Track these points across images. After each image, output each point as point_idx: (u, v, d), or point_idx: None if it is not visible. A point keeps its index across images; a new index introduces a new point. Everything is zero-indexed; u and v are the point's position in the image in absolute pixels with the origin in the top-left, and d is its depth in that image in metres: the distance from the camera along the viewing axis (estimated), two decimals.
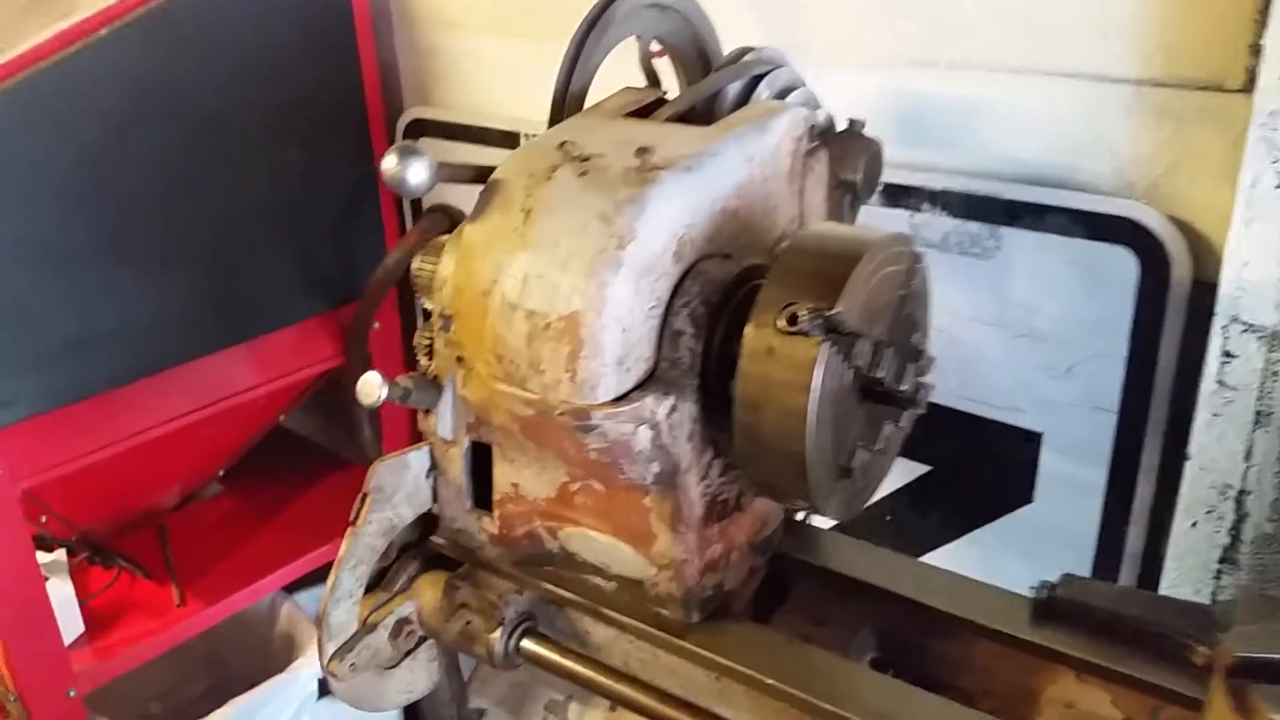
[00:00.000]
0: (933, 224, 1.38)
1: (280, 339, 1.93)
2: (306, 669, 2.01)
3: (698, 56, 1.24)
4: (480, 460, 0.96)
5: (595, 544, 0.91)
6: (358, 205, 1.94)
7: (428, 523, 1.03)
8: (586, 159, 0.85)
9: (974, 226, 1.35)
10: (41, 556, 1.89)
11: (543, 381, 0.79)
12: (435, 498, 1.01)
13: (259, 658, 2.23)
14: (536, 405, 0.82)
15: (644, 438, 0.81)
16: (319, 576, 2.03)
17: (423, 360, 1.00)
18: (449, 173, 0.92)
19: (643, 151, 0.83)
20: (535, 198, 0.82)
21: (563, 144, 0.86)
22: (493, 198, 0.86)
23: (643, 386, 0.81)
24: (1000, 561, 1.46)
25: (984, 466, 1.43)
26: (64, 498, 1.92)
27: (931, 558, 1.50)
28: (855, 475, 0.80)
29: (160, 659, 1.97)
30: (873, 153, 1.09)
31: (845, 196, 1.08)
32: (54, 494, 1.86)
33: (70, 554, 2.05)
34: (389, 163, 0.85)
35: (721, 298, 0.82)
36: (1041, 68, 1.29)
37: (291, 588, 2.18)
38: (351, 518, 0.97)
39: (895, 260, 0.80)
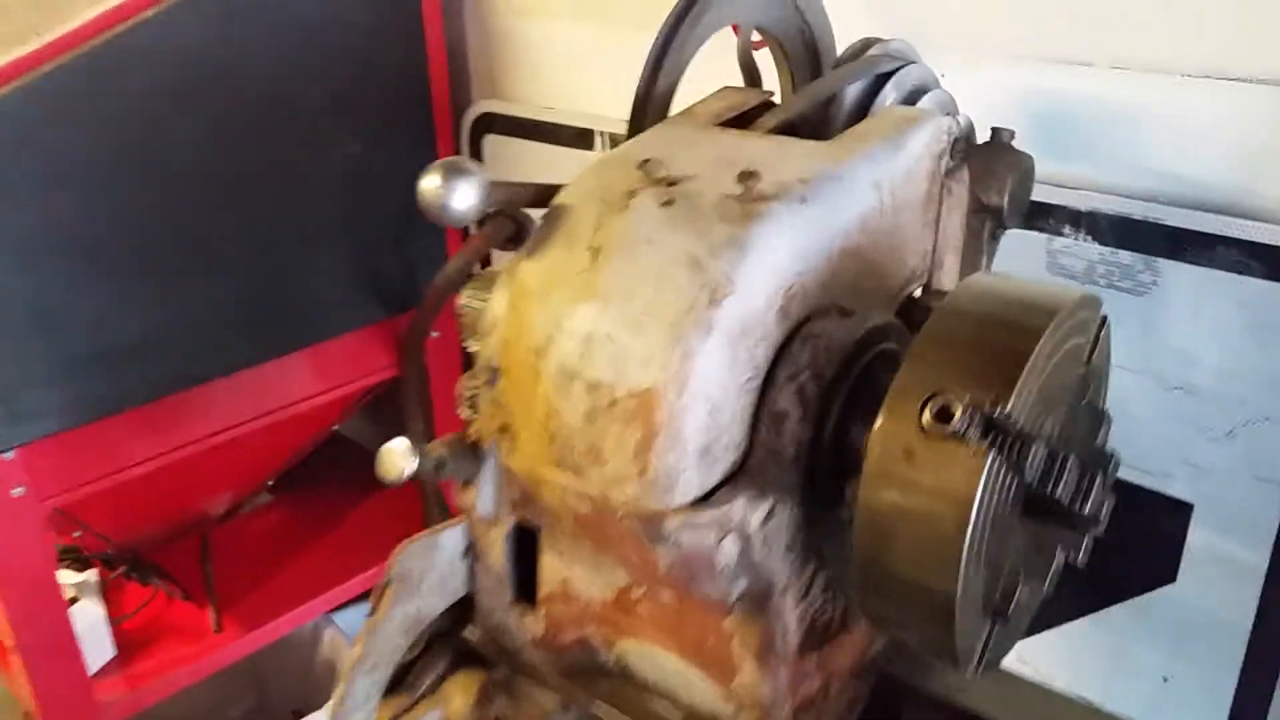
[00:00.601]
0: (1075, 251, 1.17)
1: (332, 348, 1.78)
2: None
3: (805, 49, 1.04)
4: (525, 546, 0.78)
5: (661, 664, 0.73)
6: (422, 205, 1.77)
7: (462, 608, 0.86)
8: (674, 183, 0.66)
9: (1126, 256, 1.13)
10: (73, 576, 1.79)
11: (604, 474, 0.61)
12: (472, 583, 0.84)
13: (300, 681, 2.11)
14: (595, 501, 0.64)
15: (730, 550, 0.62)
16: (365, 598, 1.90)
17: (465, 412, 0.83)
18: (504, 194, 0.74)
19: (747, 176, 0.64)
20: (606, 232, 0.64)
21: (645, 163, 0.68)
22: (554, 229, 0.68)
23: (731, 482, 0.63)
24: (1132, 647, 1.25)
25: (1121, 537, 1.20)
26: (100, 513, 1.81)
27: (1053, 636, 1.29)
28: (1011, 618, 0.60)
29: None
30: (1023, 170, 0.88)
31: (987, 224, 0.88)
32: (88, 510, 1.75)
33: (109, 567, 1.95)
34: (429, 184, 0.67)
35: (839, 369, 0.63)
36: (1219, 71, 1.07)
37: (336, 607, 2.05)
38: (370, 608, 0.80)
39: (1080, 330, 0.60)
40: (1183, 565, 1.19)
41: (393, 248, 1.76)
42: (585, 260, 0.64)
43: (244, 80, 1.51)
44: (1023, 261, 1.19)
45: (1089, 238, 1.15)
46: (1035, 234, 1.18)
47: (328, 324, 1.75)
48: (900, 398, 0.55)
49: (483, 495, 0.78)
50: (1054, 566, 0.64)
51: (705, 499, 0.62)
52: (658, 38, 0.88)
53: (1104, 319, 0.63)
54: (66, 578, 1.76)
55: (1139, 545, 1.21)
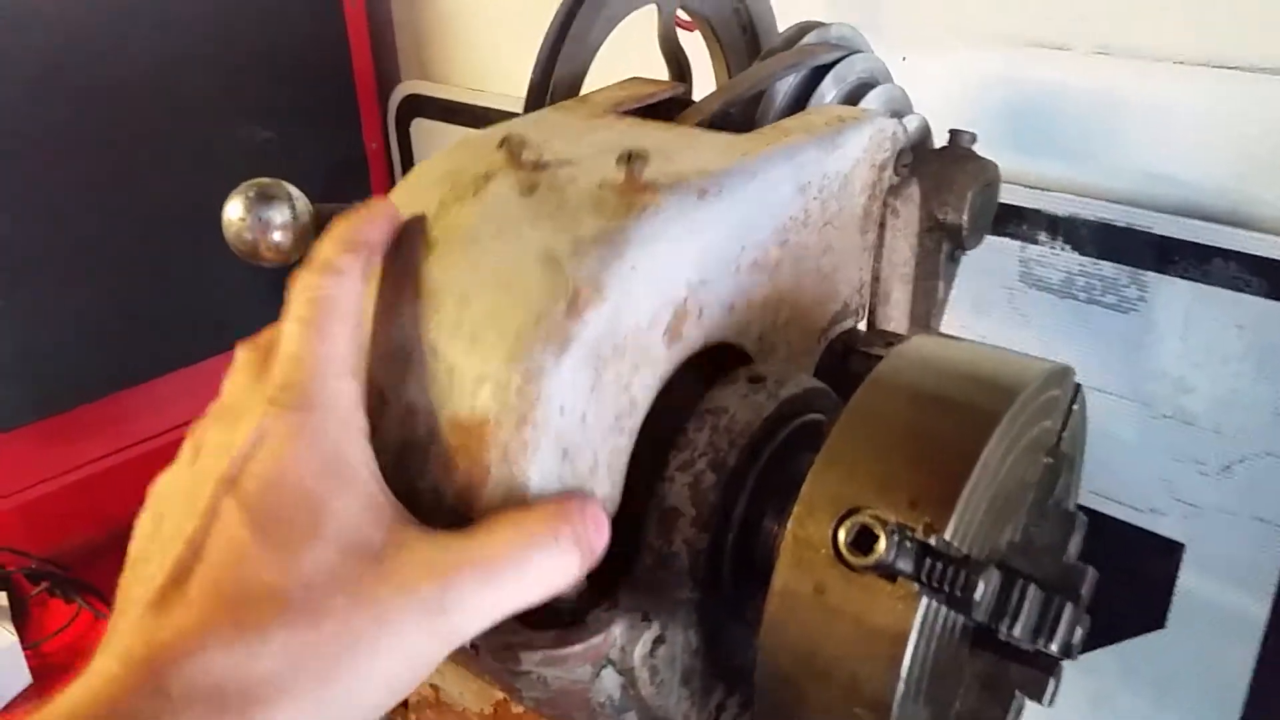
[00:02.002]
0: (1052, 261, 1.03)
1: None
2: None
3: (742, 32, 0.90)
4: None
5: None
6: (342, 195, 1.63)
7: None
8: (542, 168, 0.53)
9: (1109, 269, 1.00)
10: None
11: None
12: None
13: None
14: None
15: (608, 686, 0.49)
16: None
17: None
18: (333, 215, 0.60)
19: (633, 160, 0.50)
20: (447, 223, 0.50)
21: (508, 140, 0.54)
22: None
23: (609, 599, 0.50)
24: (1115, 696, 1.13)
25: (1106, 578, 1.09)
26: (16, 528, 1.69)
27: None
28: None
29: None
30: (986, 182, 0.75)
31: (944, 246, 0.75)
32: (2, 526, 1.63)
33: (32, 582, 1.82)
34: (233, 215, 0.54)
35: (744, 455, 0.50)
36: (1217, 58, 0.93)
37: None
38: None
39: (1046, 411, 0.47)
40: (1172, 610, 1.07)
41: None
42: (421, 256, 0.50)
43: (135, 62, 1.36)
44: (993, 272, 1.06)
45: (1067, 246, 1.02)
46: (1007, 240, 1.05)
47: (245, 327, 1.60)
48: (808, 515, 0.42)
49: None
50: (1017, 703, 0.51)
51: (571, 627, 0.49)
52: (555, 16, 0.74)
53: (1077, 389, 0.50)
54: None
55: (1125, 587, 1.09)
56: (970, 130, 0.76)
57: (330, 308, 0.44)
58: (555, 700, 0.50)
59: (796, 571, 0.42)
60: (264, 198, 0.53)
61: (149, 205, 1.43)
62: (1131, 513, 1.06)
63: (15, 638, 1.66)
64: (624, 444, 0.49)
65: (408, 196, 0.54)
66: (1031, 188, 1.03)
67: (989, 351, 0.48)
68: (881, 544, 0.40)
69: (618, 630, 0.49)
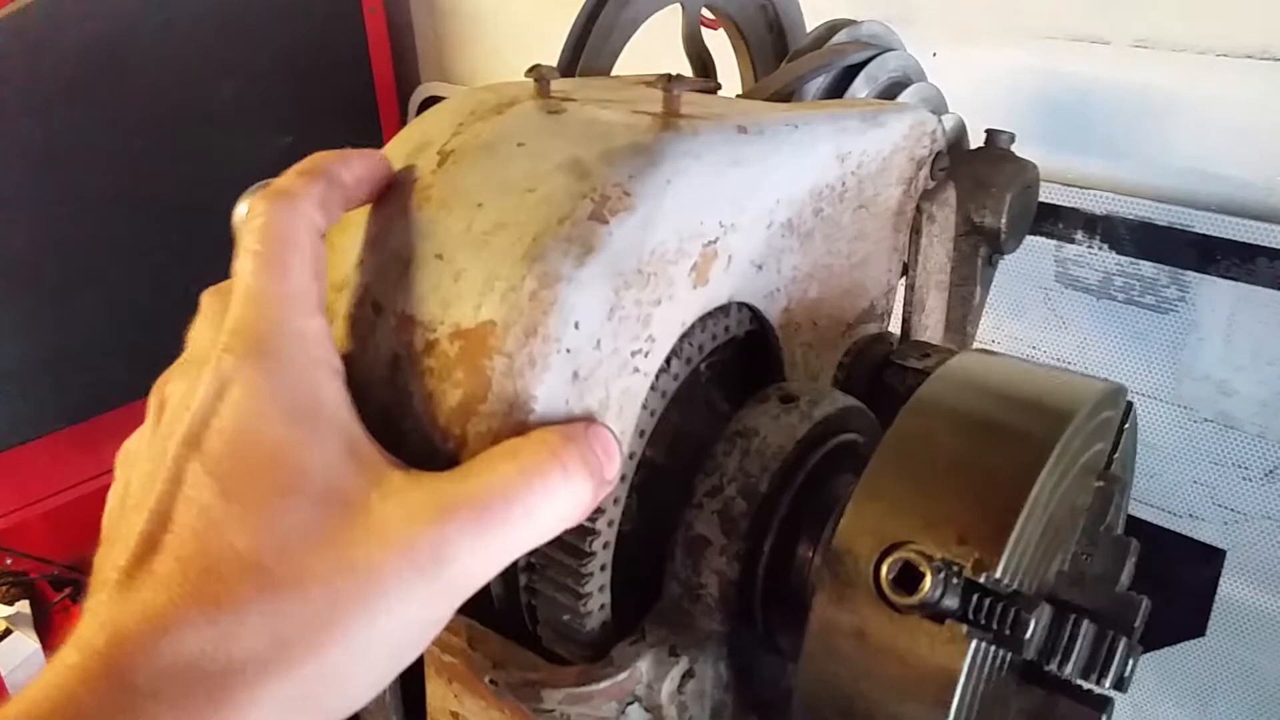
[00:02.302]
0: (1089, 260, 1.00)
1: None
2: None
3: (769, 31, 0.88)
4: (412, 672, 0.63)
5: None
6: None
7: None
8: (571, 99, 0.50)
9: (1149, 268, 0.97)
10: (2, 609, 1.67)
11: (409, 454, 0.44)
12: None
13: None
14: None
15: None
16: None
17: None
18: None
19: (672, 83, 0.48)
20: (465, 136, 0.47)
21: (535, 69, 0.51)
22: (399, 143, 0.51)
23: (635, 632, 0.47)
24: (1154, 706, 1.10)
25: (1144, 584, 1.06)
26: (40, 536, 1.69)
27: None
28: None
29: None
30: (1025, 184, 0.72)
31: (981, 250, 0.72)
32: (26, 534, 1.63)
33: (55, 589, 1.83)
34: (239, 215, 0.52)
35: (776, 480, 0.48)
36: (1261, 50, 0.90)
37: None
38: None
39: (1100, 434, 0.45)
40: (1213, 618, 1.04)
41: None
42: (430, 165, 0.47)
43: (156, 68, 1.35)
44: (1028, 272, 1.03)
45: (1105, 246, 0.99)
46: (1042, 240, 1.02)
47: None
48: (848, 550, 0.40)
49: None
50: None
51: (595, 659, 0.46)
52: (578, 17, 0.72)
53: (1129, 409, 0.47)
54: None
55: (1164, 594, 1.05)
56: (1008, 130, 0.74)
57: (282, 236, 0.39)
58: None
59: (836, 610, 0.40)
60: None
61: (172, 212, 1.42)
62: (1170, 518, 1.03)
63: (38, 644, 1.67)
64: (638, 389, 0.44)
65: (419, 127, 0.51)
66: (1068, 185, 1.00)
67: (1038, 371, 0.45)
68: (927, 582, 0.38)
69: (644, 666, 0.46)
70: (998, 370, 0.45)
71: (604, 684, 0.46)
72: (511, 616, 0.51)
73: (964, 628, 0.38)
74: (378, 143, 1.62)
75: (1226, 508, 1.00)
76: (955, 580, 0.38)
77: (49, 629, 1.79)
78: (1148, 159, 0.98)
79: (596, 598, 0.47)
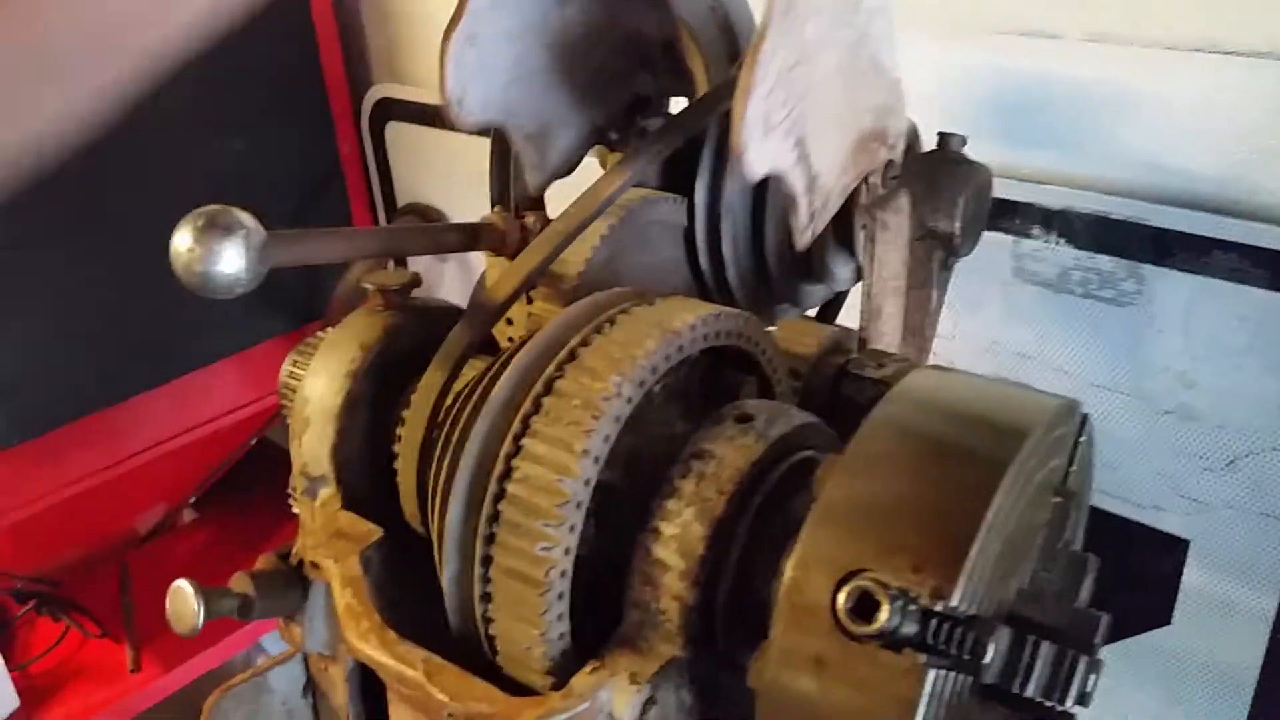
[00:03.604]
0: (1046, 255, 1.00)
1: (240, 363, 1.62)
2: None
3: (721, 33, 0.87)
4: (375, 686, 0.62)
5: None
6: (317, 205, 1.60)
7: None
8: None
9: (1106, 262, 0.98)
10: None
11: None
12: None
13: None
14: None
15: None
16: None
17: (293, 505, 0.67)
18: (296, 251, 0.57)
19: None
20: None
21: None
22: None
23: (595, 659, 0.47)
24: (1121, 693, 1.11)
25: (1109, 575, 1.07)
26: (3, 547, 1.65)
27: None
28: None
29: None
30: (978, 187, 0.72)
31: (935, 253, 0.72)
32: None
33: (19, 602, 1.79)
34: (181, 245, 0.50)
35: (734, 503, 0.47)
36: (1212, 43, 0.90)
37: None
38: None
39: (1056, 450, 0.44)
40: (1178, 607, 1.05)
41: None
42: None
43: None
44: (986, 268, 1.03)
45: (1062, 240, 0.99)
46: (999, 235, 1.02)
47: (217, 342, 1.58)
48: (805, 578, 0.39)
49: (312, 630, 0.62)
50: None
51: (560, 676, 0.46)
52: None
53: (1083, 423, 0.47)
54: None
55: (1130, 584, 1.07)
56: (959, 133, 0.73)
57: None
58: None
59: (794, 638, 0.39)
60: (213, 226, 0.50)
61: (126, 221, 1.39)
62: (1134, 509, 1.03)
63: (0, 660, 1.63)
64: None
65: None
66: (1024, 180, 1.00)
67: (993, 388, 0.45)
68: (884, 611, 0.37)
69: (604, 696, 0.46)
70: (951, 388, 0.44)
71: (566, 715, 0.45)
72: (471, 647, 0.51)
73: (922, 656, 0.37)
74: (331, 144, 1.59)
75: (1189, 498, 1.00)
76: (912, 608, 0.37)
77: (12, 643, 1.76)
78: (1102, 153, 0.98)
79: (555, 626, 0.47)
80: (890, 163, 0.62)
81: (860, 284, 0.70)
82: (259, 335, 1.62)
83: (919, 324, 0.74)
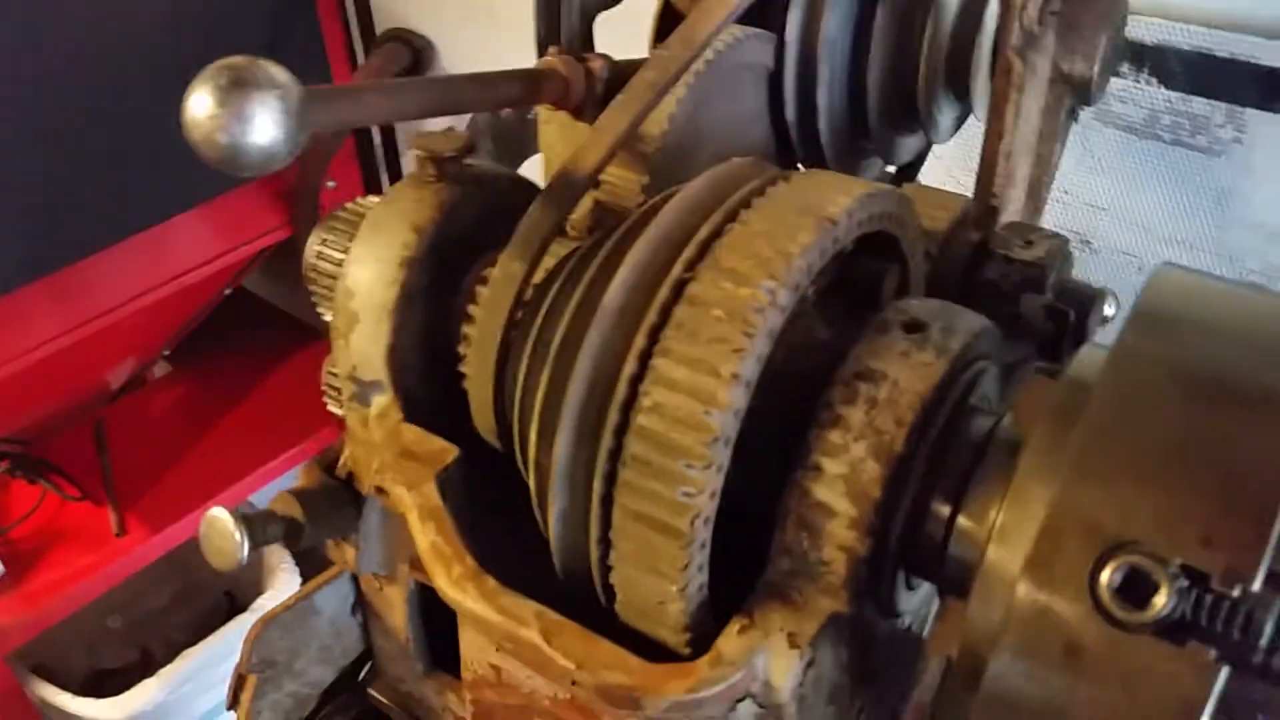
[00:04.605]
0: (1134, 96, 0.90)
1: (213, 211, 1.49)
2: (273, 603, 1.69)
3: None
4: (436, 607, 0.55)
5: None
6: (288, 34, 1.44)
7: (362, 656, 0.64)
8: None
9: (1201, 106, 0.88)
10: None
11: None
12: (367, 639, 0.61)
13: None
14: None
15: (744, 718, 0.40)
16: (291, 476, 1.71)
17: (334, 410, 0.59)
18: (338, 113, 0.46)
19: None
20: None
21: None
22: None
23: (743, 613, 0.39)
24: None
25: None
26: None
27: None
28: None
29: None
30: (1118, 25, 0.62)
31: (1065, 100, 0.62)
32: None
33: None
34: (199, 110, 0.39)
35: (914, 434, 0.39)
36: None
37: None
38: (228, 701, 0.58)
39: None
40: None
41: None
42: None
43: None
44: None
45: (1153, 80, 0.89)
46: None
47: (191, 187, 1.44)
48: (1055, 548, 0.31)
49: (366, 551, 0.55)
50: None
51: (694, 633, 0.38)
52: None
53: None
54: None
55: None
56: None
57: None
58: None
59: (1039, 619, 0.32)
60: (240, 84, 0.39)
61: (82, 62, 1.24)
62: None
63: None
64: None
65: None
66: None
67: (1264, 302, 0.36)
68: (1163, 595, 0.30)
69: (761, 662, 0.39)
70: (1217, 305, 0.35)
71: (719, 688, 0.38)
72: (577, 588, 0.43)
73: (1211, 650, 0.30)
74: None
75: None
76: (1201, 594, 0.30)
77: None
78: None
79: (695, 579, 0.39)
80: None
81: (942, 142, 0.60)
82: (230, 182, 1.49)
83: (1038, 182, 0.64)
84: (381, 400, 0.50)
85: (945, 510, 0.40)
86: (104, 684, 1.62)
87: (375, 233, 0.50)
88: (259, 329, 2.07)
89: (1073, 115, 0.64)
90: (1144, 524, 0.30)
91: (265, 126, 0.39)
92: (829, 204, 0.40)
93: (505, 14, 1.26)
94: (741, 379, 0.37)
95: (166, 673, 1.56)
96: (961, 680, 0.36)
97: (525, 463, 0.45)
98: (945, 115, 0.66)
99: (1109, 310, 0.56)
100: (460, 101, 0.50)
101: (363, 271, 0.49)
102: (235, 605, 1.93)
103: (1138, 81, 0.89)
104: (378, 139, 1.67)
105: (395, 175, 1.69)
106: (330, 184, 1.60)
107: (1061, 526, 0.31)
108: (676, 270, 0.39)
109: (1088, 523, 0.31)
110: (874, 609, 0.42)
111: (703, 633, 0.40)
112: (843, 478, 0.38)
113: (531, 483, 0.44)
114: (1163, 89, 0.89)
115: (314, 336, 2.00)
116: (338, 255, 0.54)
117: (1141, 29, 0.88)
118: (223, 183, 1.47)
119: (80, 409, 1.84)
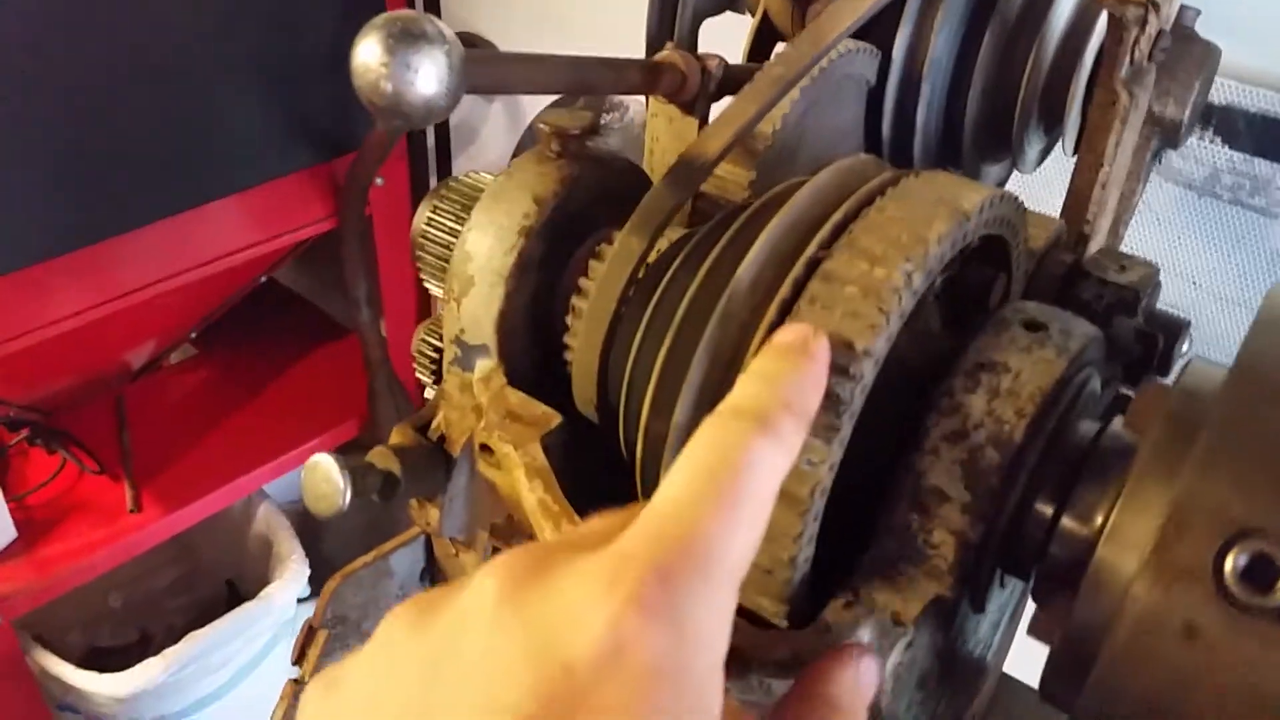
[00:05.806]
0: (1197, 154, 0.92)
1: (255, 198, 1.50)
2: (282, 593, 1.70)
3: None
4: None
5: None
6: (353, 31, 1.46)
7: None
8: None
9: (1264, 167, 0.90)
10: None
11: None
12: None
13: (232, 552, 1.92)
14: None
15: None
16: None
17: (423, 376, 0.60)
18: (498, 75, 0.48)
19: None
20: None
21: None
22: None
23: (848, 590, 0.40)
24: None
25: None
26: None
27: None
28: None
29: None
30: (1210, 71, 0.63)
31: (1152, 142, 0.64)
32: None
33: (11, 430, 1.71)
34: (368, 55, 0.41)
35: (1032, 426, 0.40)
36: None
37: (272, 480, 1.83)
38: (294, 656, 0.58)
39: None
40: None
41: (326, 79, 1.45)
42: None
43: None
44: None
45: (1218, 139, 0.91)
46: None
47: (246, 170, 1.46)
48: (1180, 533, 0.32)
49: (450, 513, 0.56)
50: None
51: (795, 606, 0.39)
52: None
53: None
54: None
55: None
56: (1193, 5, 0.64)
57: (760, 490, 0.32)
58: (766, 705, 0.41)
59: (1160, 600, 0.33)
60: (409, 36, 0.40)
61: (131, 43, 1.26)
62: None
63: None
64: None
65: None
66: None
67: None
68: None
69: (866, 636, 0.39)
70: None
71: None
72: None
73: None
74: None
75: None
76: None
77: (5, 469, 1.69)
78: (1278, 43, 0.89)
79: (805, 549, 0.40)
80: (1161, 31, 0.53)
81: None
82: (278, 169, 1.50)
83: (1118, 220, 0.66)
84: (486, 364, 0.51)
85: (1049, 509, 0.41)
86: (98, 662, 1.62)
87: (497, 201, 0.51)
88: (286, 320, 2.08)
89: (1157, 157, 0.66)
90: (1272, 513, 0.32)
91: (430, 79, 0.40)
92: (962, 199, 0.41)
93: (579, 26, 1.29)
94: (872, 355, 0.38)
95: (170, 653, 1.56)
96: (1067, 670, 0.37)
97: (633, 432, 0.46)
98: (1033, 146, 0.67)
99: (1187, 345, 0.57)
100: (590, 82, 0.51)
101: (483, 237, 0.51)
102: (235, 594, 1.93)
103: (1202, 139, 0.91)
104: (431, 140, 1.69)
105: (444, 175, 1.71)
106: (379, 181, 1.61)
107: (1186, 515, 0.32)
108: (811, 248, 0.41)
109: (1213, 510, 0.32)
110: (968, 601, 0.43)
111: (799, 606, 0.41)
112: (960, 463, 0.40)
113: (639, 451, 0.45)
114: (1226, 148, 0.91)
115: (341, 333, 2.01)
116: (449, 223, 0.56)
117: (1212, 88, 0.90)
118: (267, 170, 1.48)
119: (101, 384, 1.85)
